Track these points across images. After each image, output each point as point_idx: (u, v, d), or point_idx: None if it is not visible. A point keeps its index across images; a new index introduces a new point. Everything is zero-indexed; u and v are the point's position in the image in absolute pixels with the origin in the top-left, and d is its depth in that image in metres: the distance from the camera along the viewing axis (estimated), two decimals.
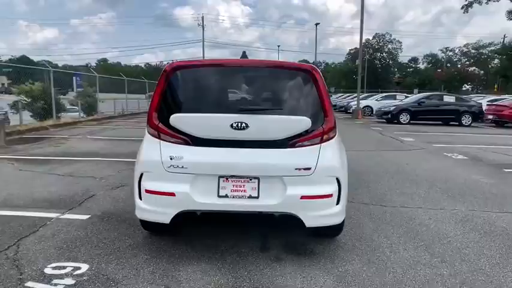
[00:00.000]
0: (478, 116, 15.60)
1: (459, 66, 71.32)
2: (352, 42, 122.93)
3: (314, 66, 2.91)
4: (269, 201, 2.68)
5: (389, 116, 15.83)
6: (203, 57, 46.53)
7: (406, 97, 20.23)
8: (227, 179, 2.71)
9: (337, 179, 2.77)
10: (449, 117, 15.64)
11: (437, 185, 5.28)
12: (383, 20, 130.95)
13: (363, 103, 21.08)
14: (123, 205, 4.11)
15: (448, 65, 75.58)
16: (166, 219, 2.73)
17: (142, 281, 2.53)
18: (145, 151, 2.88)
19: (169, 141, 2.78)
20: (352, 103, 22.22)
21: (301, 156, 2.71)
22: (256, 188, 2.69)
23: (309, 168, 2.69)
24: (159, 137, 2.82)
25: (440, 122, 15.72)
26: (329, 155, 2.78)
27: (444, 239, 3.36)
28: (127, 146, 8.26)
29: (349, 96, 30.98)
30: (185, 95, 2.89)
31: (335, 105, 24.04)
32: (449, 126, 15.09)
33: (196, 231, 3.39)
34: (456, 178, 5.77)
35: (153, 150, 2.79)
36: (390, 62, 79.37)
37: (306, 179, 2.69)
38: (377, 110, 17.31)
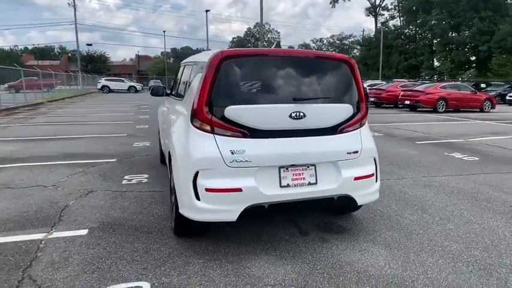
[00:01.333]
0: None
1: None
2: (231, 30, 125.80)
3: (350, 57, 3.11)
4: (328, 186, 2.80)
5: None
6: (77, 43, 41.13)
7: None
8: (287, 168, 2.71)
9: (374, 159, 3.06)
10: None
11: (382, 158, 6.15)
12: (257, 11, 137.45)
13: None
14: (118, 213, 3.60)
15: None
16: (233, 217, 2.59)
17: (222, 286, 2.37)
18: (197, 147, 2.63)
19: (226, 135, 2.61)
20: None
21: (350, 141, 2.91)
22: (314, 175, 2.78)
23: (356, 152, 2.90)
24: (212, 132, 2.62)
25: None
26: (368, 138, 3.04)
27: (427, 201, 4.04)
28: (48, 147, 6.99)
29: None
30: (237, 86, 2.73)
31: None
32: None
33: (224, 231, 3.24)
34: (390, 151, 6.81)
35: (209, 146, 2.58)
36: None
37: (355, 162, 2.90)
38: None
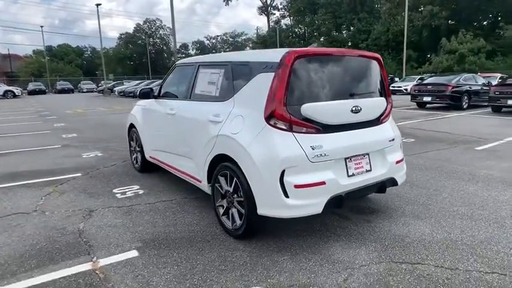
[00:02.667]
0: None
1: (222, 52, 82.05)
2: (113, 25, 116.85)
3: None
4: (380, 171, 3.13)
5: None
6: None
7: None
8: (350, 159, 2.95)
9: (400, 145, 3.52)
10: None
11: None
12: (141, 5, 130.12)
13: None
14: (150, 228, 3.31)
15: (214, 51, 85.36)
16: (319, 209, 2.70)
17: (326, 274, 2.50)
18: (281, 147, 2.66)
19: (303, 132, 2.71)
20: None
21: (388, 130, 3.29)
22: (369, 163, 3.08)
23: (393, 139, 3.31)
24: (291, 130, 2.68)
25: None
26: (395, 127, 3.48)
27: (412, 178, 4.74)
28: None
29: (141, 82, 30.09)
30: (308, 84, 2.82)
31: None
32: None
33: (276, 229, 3.30)
34: None
35: (291, 144, 2.65)
36: (164, 47, 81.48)
37: (393, 148, 3.30)
38: None
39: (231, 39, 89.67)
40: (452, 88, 12.99)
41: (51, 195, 4.31)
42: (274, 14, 66.77)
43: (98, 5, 34.66)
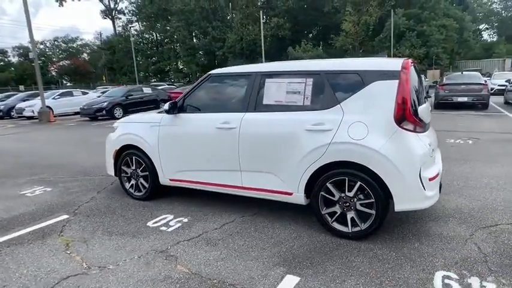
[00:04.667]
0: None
1: (54, 59, 71.27)
2: None
3: None
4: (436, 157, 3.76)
5: (103, 112, 15.20)
6: None
7: (102, 93, 19.70)
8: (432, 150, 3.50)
9: None
10: (151, 107, 17.49)
11: None
12: None
13: (39, 104, 17.98)
14: (282, 247, 3.06)
15: (43, 57, 73.35)
16: (437, 197, 3.12)
17: (417, 260, 2.98)
18: (416, 146, 2.98)
19: (420, 132, 3.09)
20: (24, 105, 18.23)
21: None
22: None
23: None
24: (415, 131, 3.03)
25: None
26: None
27: None
28: None
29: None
30: (414, 88, 3.16)
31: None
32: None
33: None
34: None
35: (420, 143, 3.04)
36: None
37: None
38: (85, 109, 15.76)
39: (64, 44, 78.92)
40: None
41: (73, 245, 3.31)
42: (120, 18, 62.56)
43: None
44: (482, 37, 56.90)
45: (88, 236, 3.54)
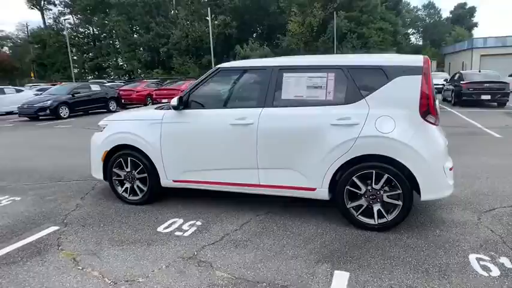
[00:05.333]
0: (118, 100, 17.40)
1: None
2: None
3: None
4: None
5: (47, 111, 13.75)
6: None
7: (40, 90, 17.73)
8: None
9: None
10: (100, 105, 16.27)
11: None
12: None
13: None
14: (325, 245, 2.98)
15: None
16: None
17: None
18: (439, 138, 3.15)
19: (437, 125, 3.25)
20: None
21: None
22: None
23: None
24: (435, 123, 3.18)
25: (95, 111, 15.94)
26: None
27: None
28: None
29: None
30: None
31: None
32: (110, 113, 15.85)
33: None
34: None
35: (441, 135, 3.22)
36: None
37: None
38: (24, 108, 14.06)
39: None
40: None
41: (82, 259, 2.92)
42: (51, 9, 57.25)
43: None
44: (410, 40, 62.22)
45: (94, 247, 3.15)
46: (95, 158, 4.31)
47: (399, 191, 3.16)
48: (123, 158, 4.10)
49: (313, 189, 3.42)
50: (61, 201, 4.38)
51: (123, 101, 18.12)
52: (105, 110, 16.47)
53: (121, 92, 18.51)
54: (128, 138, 4.02)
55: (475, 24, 59.31)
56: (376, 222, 3.26)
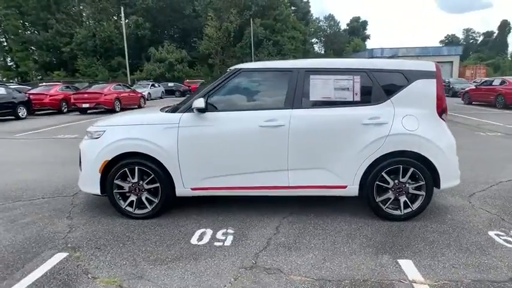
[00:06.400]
0: (29, 105, 15.07)
1: None
2: None
3: None
4: None
5: None
6: None
7: None
8: None
9: None
10: (6, 111, 13.86)
11: None
12: None
13: None
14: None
15: None
16: None
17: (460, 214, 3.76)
18: (451, 134, 3.60)
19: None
20: None
21: None
22: None
23: None
24: (446, 120, 3.63)
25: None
26: None
27: None
28: None
29: None
30: None
31: None
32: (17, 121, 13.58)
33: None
34: None
35: (450, 131, 3.63)
36: None
37: None
38: None
39: None
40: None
41: (129, 284, 2.54)
42: None
43: None
44: (314, 49, 67.71)
45: (135, 270, 2.77)
46: (88, 169, 3.74)
47: (422, 183, 3.51)
48: (129, 167, 3.66)
49: (344, 187, 3.56)
50: (43, 224, 3.69)
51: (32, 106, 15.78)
52: (13, 117, 14.17)
53: (31, 96, 16.09)
54: (137, 145, 3.60)
55: (368, 36, 67.59)
56: (402, 213, 3.56)
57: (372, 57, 36.76)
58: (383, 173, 3.50)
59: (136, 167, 3.65)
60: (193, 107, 3.50)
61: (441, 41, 72.43)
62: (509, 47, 56.91)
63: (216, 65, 41.58)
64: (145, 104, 20.03)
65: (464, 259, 2.84)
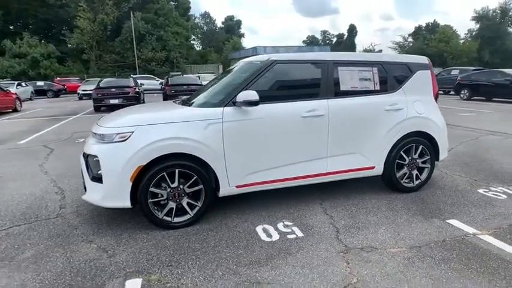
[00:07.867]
0: None
1: None
2: None
3: None
4: None
5: None
6: None
7: None
8: None
9: None
10: None
11: None
12: None
13: None
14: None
15: None
16: None
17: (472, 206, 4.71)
18: (441, 115, 4.32)
19: None
20: None
21: None
22: None
23: None
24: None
25: None
26: None
27: None
28: None
29: None
30: None
31: None
32: None
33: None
34: None
35: None
36: None
37: None
38: None
39: None
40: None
41: None
42: None
43: None
44: (193, 45, 67.36)
45: (242, 277, 2.55)
46: (114, 179, 3.15)
47: (428, 157, 4.18)
48: (168, 171, 3.24)
49: (373, 168, 3.96)
50: (65, 255, 2.95)
51: None
52: None
53: None
54: (181, 145, 3.21)
55: (243, 35, 70.76)
56: (415, 184, 4.18)
57: (256, 54, 39.03)
58: (401, 152, 4.03)
59: (176, 170, 3.26)
60: (242, 100, 3.33)
61: (303, 41, 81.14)
62: (357, 47, 67.69)
63: (92, 61, 37.34)
64: (21, 106, 16.71)
65: (487, 212, 3.57)
